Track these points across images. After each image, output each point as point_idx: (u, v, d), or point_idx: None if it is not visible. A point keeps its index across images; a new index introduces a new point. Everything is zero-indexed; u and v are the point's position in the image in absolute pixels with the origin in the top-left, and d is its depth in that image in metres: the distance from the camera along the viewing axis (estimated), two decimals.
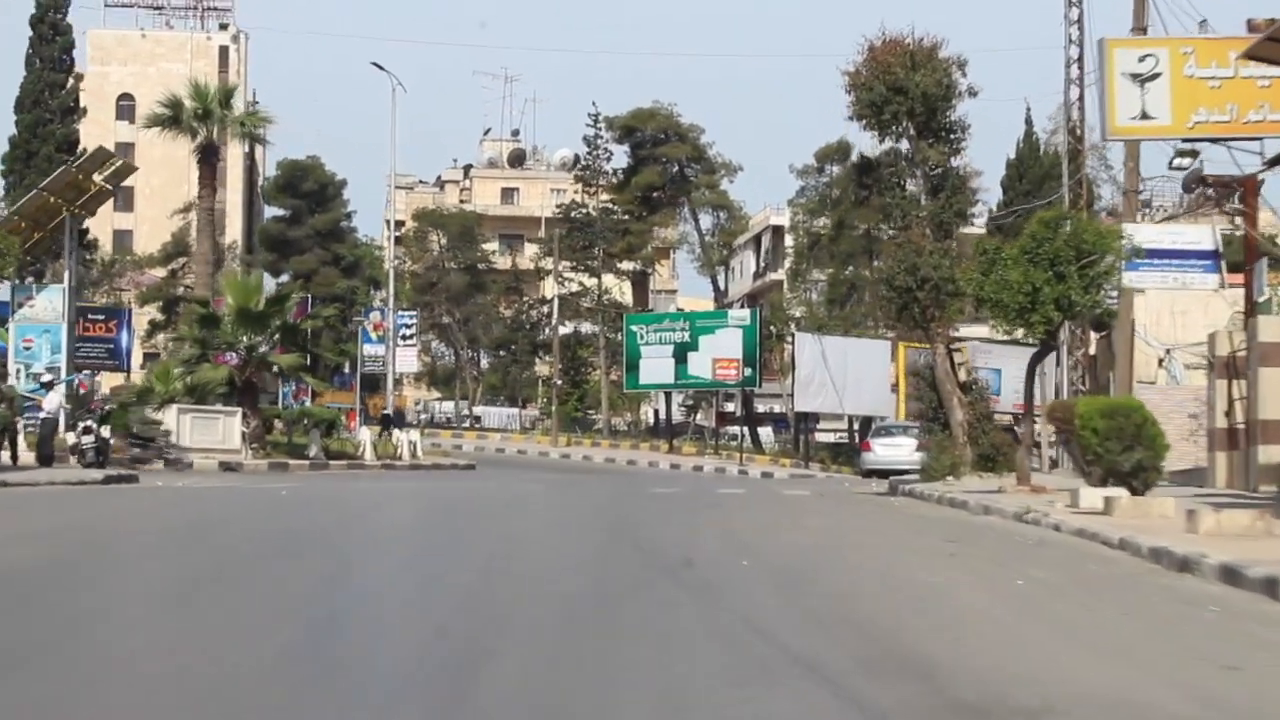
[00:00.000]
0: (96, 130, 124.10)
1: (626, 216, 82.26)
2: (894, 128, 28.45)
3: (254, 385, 47.15)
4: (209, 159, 55.75)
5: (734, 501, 23.43)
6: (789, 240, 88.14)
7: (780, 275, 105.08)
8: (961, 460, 26.65)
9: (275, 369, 48.31)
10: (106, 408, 40.31)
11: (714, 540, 15.32)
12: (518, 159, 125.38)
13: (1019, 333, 25.41)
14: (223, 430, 45.13)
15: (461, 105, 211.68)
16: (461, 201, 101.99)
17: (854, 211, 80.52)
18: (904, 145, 28.27)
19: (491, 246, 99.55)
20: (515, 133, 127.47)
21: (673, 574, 11.98)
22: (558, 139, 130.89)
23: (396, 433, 53.45)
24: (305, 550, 14.74)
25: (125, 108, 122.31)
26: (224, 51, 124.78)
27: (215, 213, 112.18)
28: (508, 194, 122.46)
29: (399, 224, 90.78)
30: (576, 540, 15.61)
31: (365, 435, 51.36)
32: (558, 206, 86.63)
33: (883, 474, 44.82)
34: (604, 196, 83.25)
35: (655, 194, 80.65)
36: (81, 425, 34.42)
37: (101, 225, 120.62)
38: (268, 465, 44.51)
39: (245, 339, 46.28)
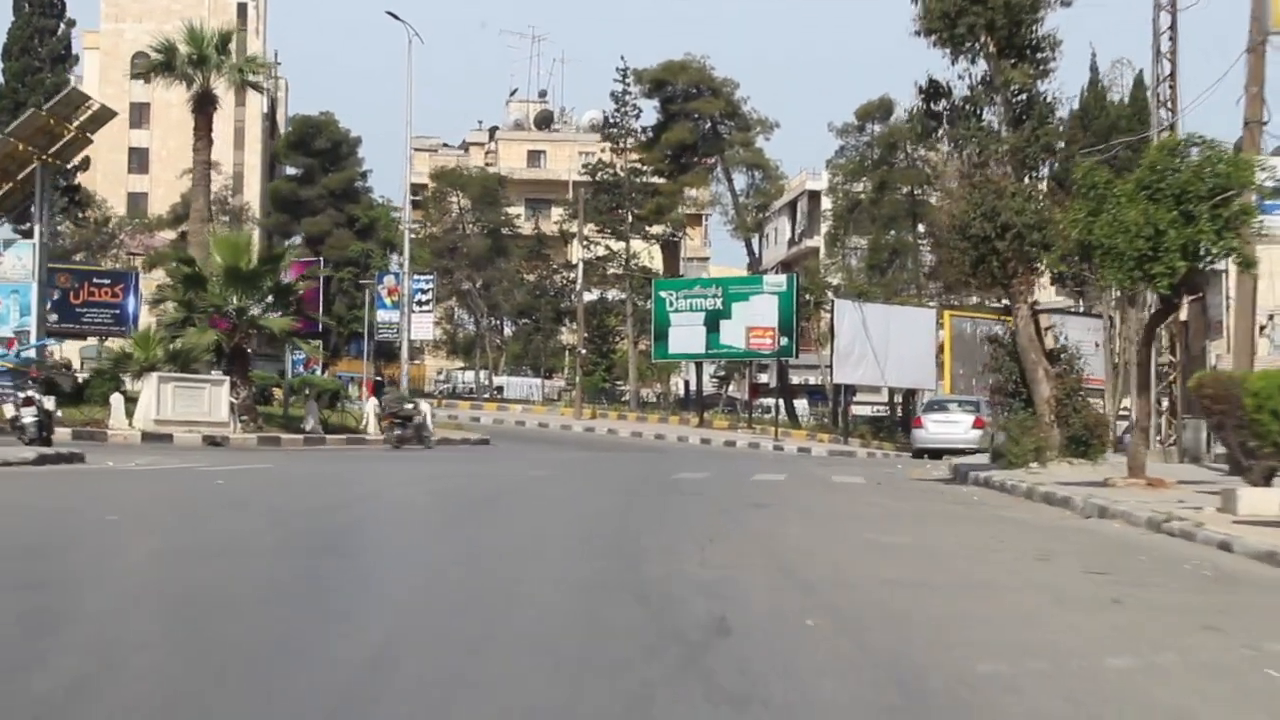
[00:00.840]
0: (111, 90, 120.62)
1: (656, 178, 77.73)
2: (969, 44, 23.61)
3: (244, 352, 43.06)
4: (204, 108, 51.65)
5: (776, 495, 19.03)
6: (826, 204, 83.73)
7: (816, 242, 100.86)
8: (1048, 443, 22.32)
9: (268, 334, 44.18)
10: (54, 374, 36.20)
11: (760, 575, 10.58)
12: (545, 121, 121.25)
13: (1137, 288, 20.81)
14: (209, 401, 41.05)
15: (488, 66, 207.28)
16: (487, 165, 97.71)
17: (897, 172, 76.27)
18: (981, 67, 23.53)
19: (517, 211, 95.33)
20: (543, 94, 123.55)
21: (696, 659, 7.26)
22: (587, 101, 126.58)
23: (367, 402, 49.11)
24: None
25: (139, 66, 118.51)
26: (242, 9, 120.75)
27: (235, 176, 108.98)
28: (534, 157, 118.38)
29: (418, 187, 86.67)
30: (554, 578, 10.37)
31: (369, 408, 47.22)
32: (583, 167, 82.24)
33: (934, 453, 40.63)
34: (632, 156, 78.86)
35: (686, 152, 76.00)
36: (22, 396, 30.29)
37: (115, 188, 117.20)
38: (257, 440, 40.48)
39: (235, 301, 42.15)
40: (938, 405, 41.61)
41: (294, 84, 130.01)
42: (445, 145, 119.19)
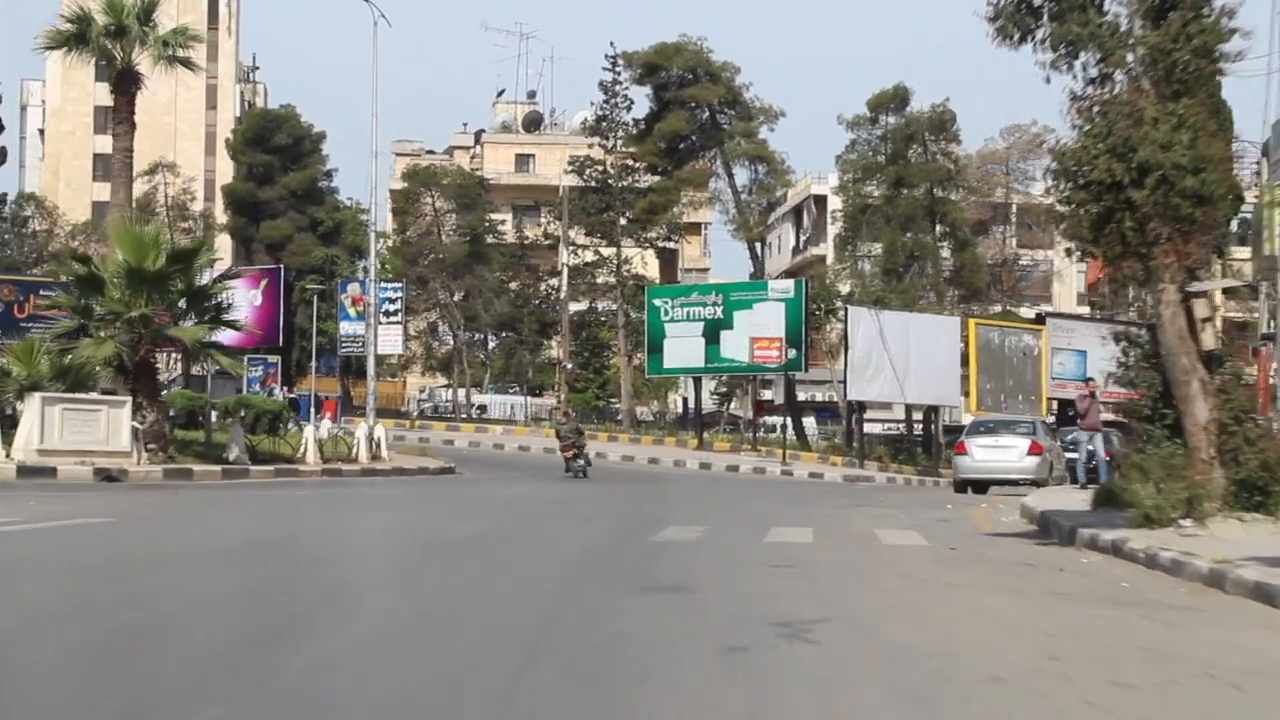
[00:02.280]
0: (74, 93, 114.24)
1: (650, 175, 70.48)
2: None
3: (150, 367, 36.02)
4: (125, 87, 44.74)
5: (813, 587, 11.86)
6: (836, 203, 76.72)
7: (823, 250, 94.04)
8: (1207, 490, 15.27)
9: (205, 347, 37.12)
10: None
11: None
12: (534, 123, 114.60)
13: None
14: (106, 427, 33.99)
15: (474, 67, 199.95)
16: (472, 169, 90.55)
17: (914, 168, 69.38)
18: None
19: (502, 218, 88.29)
20: (531, 95, 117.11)
21: None
22: (578, 103, 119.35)
23: (308, 426, 41.87)
24: None
25: (105, 69, 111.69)
26: (213, 5, 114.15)
27: (206, 183, 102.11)
28: (522, 161, 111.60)
29: (398, 194, 79.47)
30: None
31: (309, 433, 40.19)
32: (569, 163, 75.21)
33: (978, 484, 33.62)
34: (624, 152, 71.79)
35: (682, 144, 68.69)
36: None
37: (80, 196, 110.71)
38: (163, 473, 33.45)
39: (140, 306, 35.08)
40: (985, 427, 34.51)
41: (274, 89, 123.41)
42: (428, 151, 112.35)
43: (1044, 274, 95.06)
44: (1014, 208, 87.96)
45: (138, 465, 33.74)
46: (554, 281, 70.50)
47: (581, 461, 41.06)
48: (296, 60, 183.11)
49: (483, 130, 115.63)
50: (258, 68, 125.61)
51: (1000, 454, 32.81)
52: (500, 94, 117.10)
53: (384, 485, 33.57)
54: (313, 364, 79.42)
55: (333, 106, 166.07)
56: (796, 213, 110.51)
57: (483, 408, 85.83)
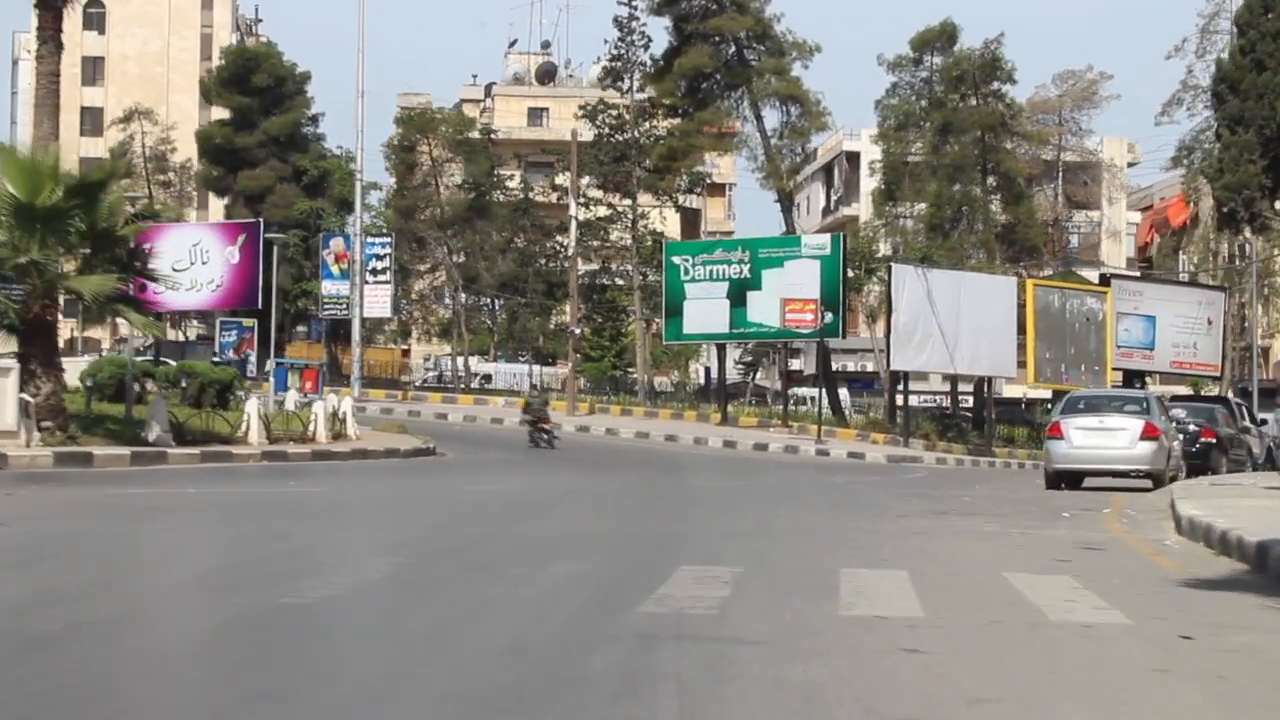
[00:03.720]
0: (65, 27, 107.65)
1: (670, 119, 63.10)
2: None
3: (46, 325, 29.21)
4: (50, 2, 37.79)
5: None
6: (875, 154, 69.54)
7: (855, 210, 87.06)
8: None
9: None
10: None
11: None
12: (547, 75, 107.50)
13: None
14: None
15: (485, 16, 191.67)
16: (486, 127, 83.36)
17: (964, 112, 62.26)
18: None
19: (512, 173, 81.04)
20: (545, 45, 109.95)
21: None
22: (595, 54, 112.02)
23: (251, 399, 34.84)
24: None
25: (94, 15, 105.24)
26: None
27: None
28: (535, 115, 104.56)
29: (404, 150, 72.35)
30: None
31: (252, 408, 33.28)
32: (580, 109, 68.04)
33: (1072, 477, 26.67)
34: (640, 97, 64.65)
35: (705, 84, 61.16)
36: None
37: (66, 152, 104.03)
38: (55, 457, 26.67)
39: (31, 250, 28.22)
40: (1086, 404, 27.30)
41: (277, 41, 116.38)
42: (437, 107, 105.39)
43: (1093, 236, 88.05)
44: (1061, 163, 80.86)
45: (26, 448, 27.00)
46: (562, 239, 63.41)
47: (545, 435, 41.09)
48: (302, 10, 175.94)
49: (494, 83, 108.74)
50: (260, 20, 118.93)
51: (1105, 438, 25.71)
52: (512, 44, 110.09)
53: (320, 475, 26.66)
54: (298, 329, 72.94)
55: (336, 54, 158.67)
56: (827, 170, 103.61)
57: (487, 377, 78.99)
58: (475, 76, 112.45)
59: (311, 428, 34.96)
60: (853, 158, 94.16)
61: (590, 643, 8.04)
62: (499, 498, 21.51)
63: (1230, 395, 44.62)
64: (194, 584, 10.93)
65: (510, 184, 74.97)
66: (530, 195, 73.47)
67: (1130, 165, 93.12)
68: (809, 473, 35.12)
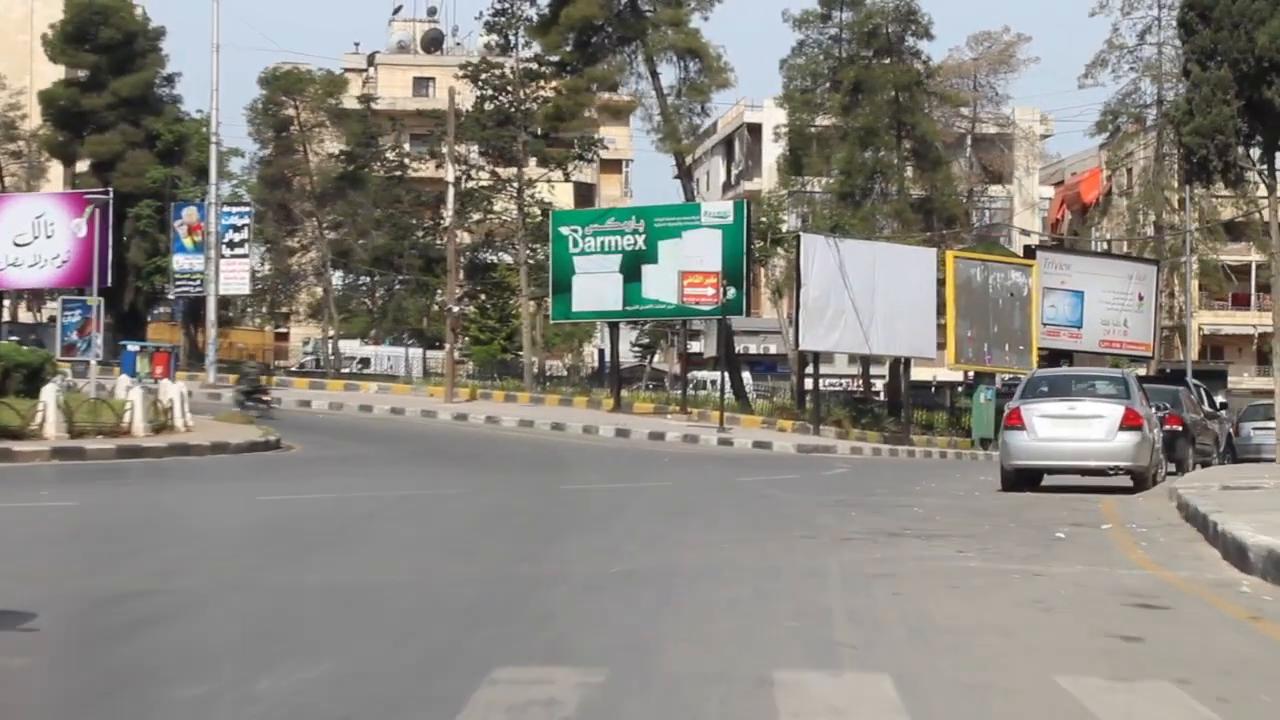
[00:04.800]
0: None
1: (560, 76, 57.62)
2: None
3: None
4: None
5: None
6: (780, 117, 64.64)
7: (757, 185, 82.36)
8: None
9: None
10: None
11: None
12: (434, 43, 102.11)
13: None
14: None
15: None
16: (369, 98, 77.56)
17: (877, 69, 57.50)
18: None
19: (393, 144, 75.26)
20: (432, 11, 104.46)
21: None
22: (483, 20, 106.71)
23: (49, 386, 29.38)
24: None
25: None
26: None
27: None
28: (421, 85, 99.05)
29: (285, 122, 66.38)
30: None
31: (49, 395, 27.80)
32: (461, 67, 62.48)
33: (1035, 474, 21.76)
34: (526, 55, 59.30)
35: (594, 37, 55.74)
36: None
37: None
38: None
39: None
40: (1051, 387, 22.14)
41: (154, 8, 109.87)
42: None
43: (1006, 212, 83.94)
44: (975, 132, 76.65)
45: None
46: (444, 211, 57.98)
47: (258, 403, 42.30)
48: None
49: (377, 52, 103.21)
50: None
51: (1077, 428, 20.71)
52: (397, 10, 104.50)
53: (103, 480, 21.28)
54: (160, 310, 67.68)
55: (197, 10, 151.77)
56: (727, 144, 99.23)
57: (365, 362, 73.70)
58: (358, 45, 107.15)
59: (127, 418, 29.50)
60: (755, 130, 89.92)
61: None
62: (305, 512, 16.27)
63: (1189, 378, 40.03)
64: None
65: (390, 155, 69.41)
66: (405, 162, 67.88)
67: (1044, 137, 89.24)
68: (712, 468, 30.07)
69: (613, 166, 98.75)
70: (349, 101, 70.09)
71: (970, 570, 11.22)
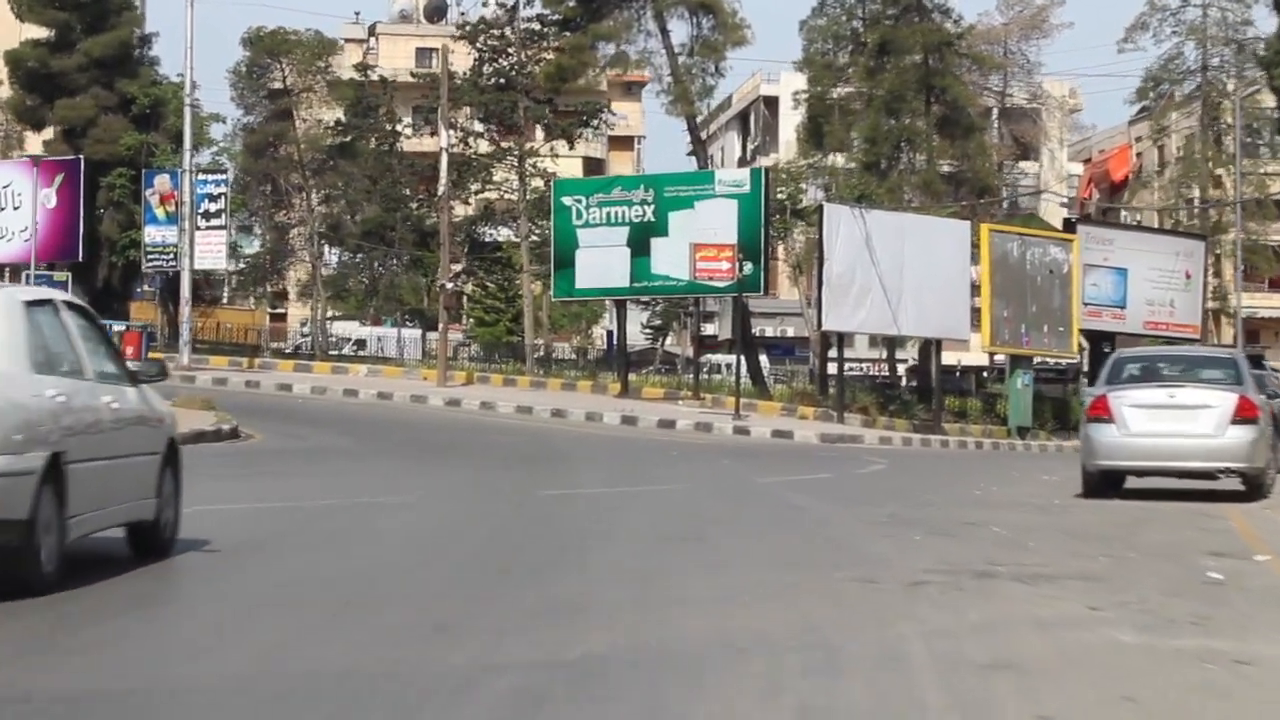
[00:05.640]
0: None
1: (563, 34, 53.76)
2: None
3: None
4: None
5: None
6: (800, 83, 60.74)
7: (775, 159, 78.48)
8: None
9: None
10: None
11: None
12: (437, 12, 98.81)
13: None
14: None
15: None
16: (366, 67, 73.94)
17: (904, 29, 53.48)
18: None
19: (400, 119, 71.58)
20: None
21: None
22: None
23: None
24: None
25: None
26: None
27: None
28: (423, 56, 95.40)
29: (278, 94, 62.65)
30: None
31: None
32: (458, 27, 58.74)
33: (1114, 477, 17.75)
34: (528, 15, 55.51)
35: None
36: None
37: None
38: None
39: None
40: (1144, 370, 18.15)
41: None
42: None
43: (1035, 188, 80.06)
44: (1005, 103, 72.54)
45: None
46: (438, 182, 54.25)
47: None
48: None
49: (378, 22, 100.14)
50: None
51: (1179, 421, 16.72)
52: None
53: None
54: (144, 289, 64.15)
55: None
56: (743, 118, 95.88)
57: (361, 343, 69.82)
58: (358, 14, 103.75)
59: None
60: (771, 103, 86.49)
61: None
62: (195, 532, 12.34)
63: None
64: None
65: (386, 126, 65.64)
66: (397, 130, 64.05)
67: (1072, 112, 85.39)
68: (727, 463, 26.17)
69: (624, 143, 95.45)
70: (349, 72, 66.44)
71: (1125, 649, 7.29)
